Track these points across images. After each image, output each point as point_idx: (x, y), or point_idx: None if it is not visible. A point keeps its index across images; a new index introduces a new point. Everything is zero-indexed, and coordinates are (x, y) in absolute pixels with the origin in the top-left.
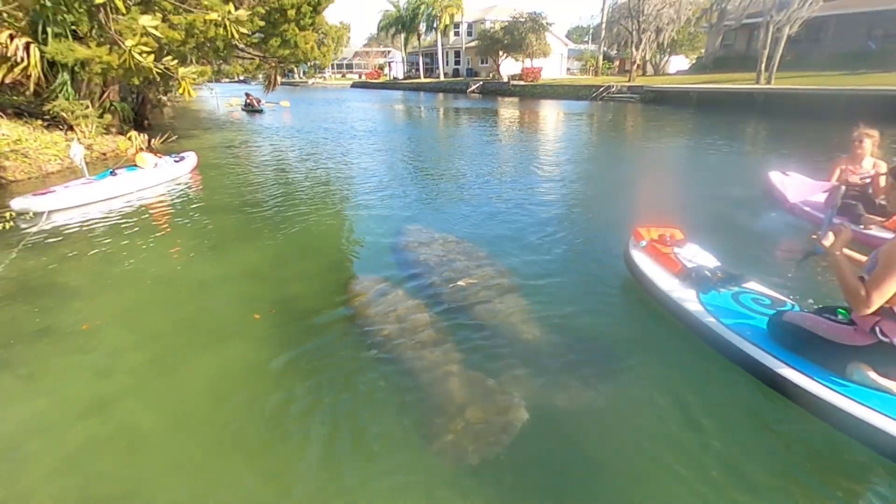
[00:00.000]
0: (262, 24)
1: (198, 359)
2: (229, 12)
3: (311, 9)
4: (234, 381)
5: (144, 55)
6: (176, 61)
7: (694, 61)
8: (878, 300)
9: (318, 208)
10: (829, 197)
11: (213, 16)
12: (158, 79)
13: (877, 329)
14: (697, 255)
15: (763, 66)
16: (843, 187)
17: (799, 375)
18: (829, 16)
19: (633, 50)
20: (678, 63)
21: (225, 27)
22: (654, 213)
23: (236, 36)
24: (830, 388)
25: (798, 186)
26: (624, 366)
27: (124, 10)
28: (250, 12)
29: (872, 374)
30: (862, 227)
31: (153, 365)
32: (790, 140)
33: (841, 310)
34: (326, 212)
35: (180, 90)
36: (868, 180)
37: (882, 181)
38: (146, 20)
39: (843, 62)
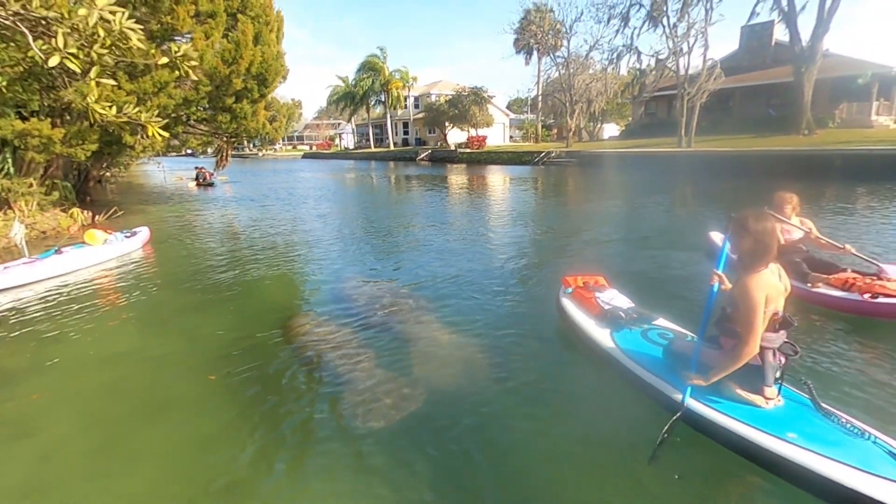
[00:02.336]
0: (206, 101)
1: (150, 435)
2: (176, 51)
3: (257, 84)
4: (188, 455)
5: (106, 108)
6: (137, 109)
7: (623, 128)
8: (757, 339)
9: (268, 271)
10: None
11: (164, 60)
12: (106, 150)
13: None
14: (615, 298)
15: (682, 131)
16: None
17: (679, 394)
18: (735, 87)
19: (568, 119)
20: (610, 130)
21: (177, 67)
22: (589, 263)
23: (190, 74)
24: (709, 406)
25: None
26: (531, 388)
27: (79, 70)
28: (197, 52)
29: (739, 390)
30: (809, 285)
31: (103, 446)
32: (713, 197)
33: (714, 329)
34: (276, 273)
35: (149, 132)
36: (800, 235)
37: (815, 235)
38: (94, 73)
39: (750, 127)
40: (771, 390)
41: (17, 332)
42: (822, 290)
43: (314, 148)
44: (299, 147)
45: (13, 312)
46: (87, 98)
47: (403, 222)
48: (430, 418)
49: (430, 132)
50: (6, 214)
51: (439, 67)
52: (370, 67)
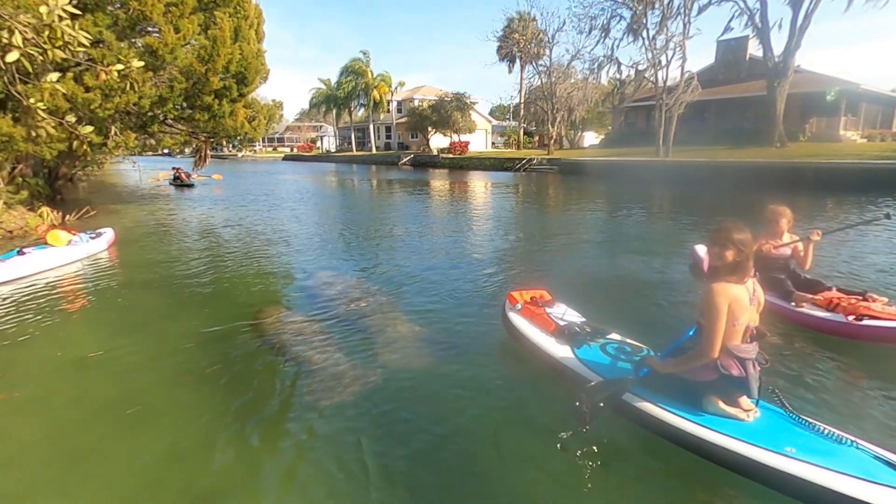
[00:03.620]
0: (181, 99)
1: (118, 442)
2: (131, 64)
3: (236, 82)
4: (158, 464)
5: (44, 119)
6: (80, 125)
7: (603, 137)
8: (716, 345)
9: (239, 272)
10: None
11: (117, 68)
12: (68, 150)
13: (718, 364)
14: (566, 313)
15: (661, 141)
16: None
17: (663, 412)
18: (711, 100)
19: (550, 126)
20: (590, 138)
21: (131, 84)
22: (546, 272)
23: (134, 88)
24: (690, 420)
25: None
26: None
27: (30, 69)
28: (142, 63)
29: (721, 404)
30: (793, 304)
31: (69, 453)
32: (688, 206)
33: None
34: (247, 274)
35: (76, 149)
36: (788, 252)
37: (801, 248)
38: (53, 76)
39: (725, 138)
40: (749, 402)
41: None
42: (806, 309)
43: (295, 150)
44: (280, 149)
45: None
46: (30, 99)
47: (380, 225)
48: (392, 412)
49: (412, 137)
50: None
51: (423, 73)
52: (353, 71)
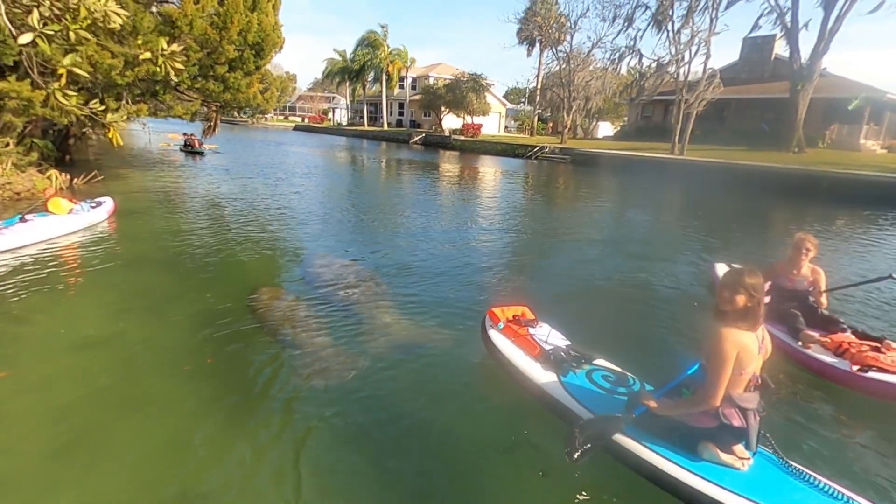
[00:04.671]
0: (196, 69)
1: (120, 429)
2: (162, 49)
3: (253, 54)
4: (159, 453)
5: (69, 96)
6: (103, 107)
7: (618, 128)
8: (720, 393)
9: (242, 248)
10: None
11: (147, 55)
12: (86, 122)
13: (720, 413)
14: (551, 335)
15: (676, 138)
16: None
17: (655, 456)
18: (730, 98)
19: (565, 115)
20: (605, 128)
21: (158, 64)
22: (535, 284)
23: (171, 74)
24: (683, 467)
25: None
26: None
27: (50, 53)
28: (183, 47)
29: (717, 452)
30: (800, 343)
31: (71, 441)
32: (701, 208)
33: (685, 391)
34: (251, 249)
35: (108, 135)
36: (810, 289)
37: (822, 288)
38: (68, 60)
39: (743, 139)
40: (745, 451)
41: None
42: (812, 351)
43: (306, 120)
44: (291, 118)
45: None
46: (51, 85)
47: (383, 212)
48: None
49: (425, 115)
50: None
51: (439, 49)
52: (369, 43)
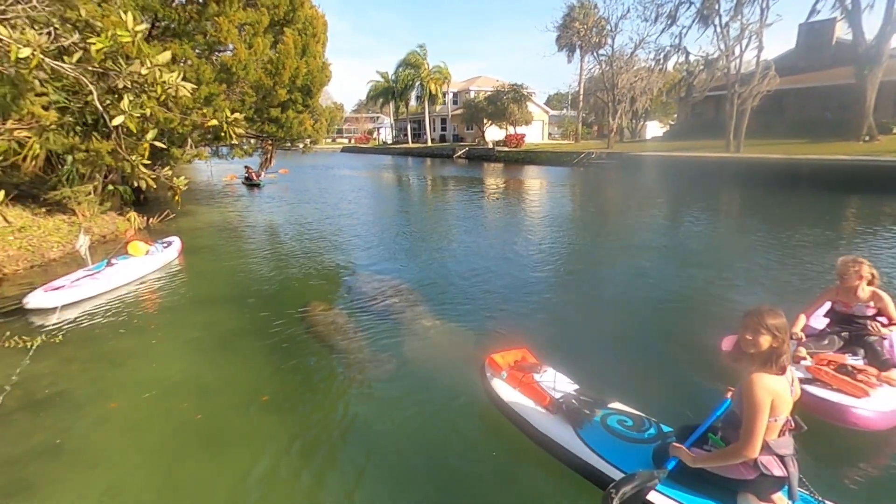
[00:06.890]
0: (252, 111)
1: (211, 468)
2: (227, 117)
3: (302, 95)
4: (247, 492)
5: (143, 167)
6: (171, 172)
7: (667, 128)
8: (758, 443)
9: (299, 277)
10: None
11: (213, 122)
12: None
13: (759, 463)
14: (557, 381)
15: (731, 135)
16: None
17: None
18: (789, 89)
19: (610, 119)
20: (653, 128)
21: (224, 130)
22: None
23: (233, 139)
24: None
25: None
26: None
27: (134, 129)
28: (244, 114)
29: (757, 502)
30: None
31: (167, 481)
32: (760, 211)
33: (712, 436)
34: (313, 276)
35: (175, 199)
36: (868, 316)
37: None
38: (150, 135)
39: (805, 131)
40: (785, 499)
41: (80, 355)
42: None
43: (353, 141)
44: (338, 140)
45: (76, 328)
46: (133, 158)
47: (427, 233)
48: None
49: (468, 129)
50: (70, 220)
51: (478, 62)
52: (410, 64)
